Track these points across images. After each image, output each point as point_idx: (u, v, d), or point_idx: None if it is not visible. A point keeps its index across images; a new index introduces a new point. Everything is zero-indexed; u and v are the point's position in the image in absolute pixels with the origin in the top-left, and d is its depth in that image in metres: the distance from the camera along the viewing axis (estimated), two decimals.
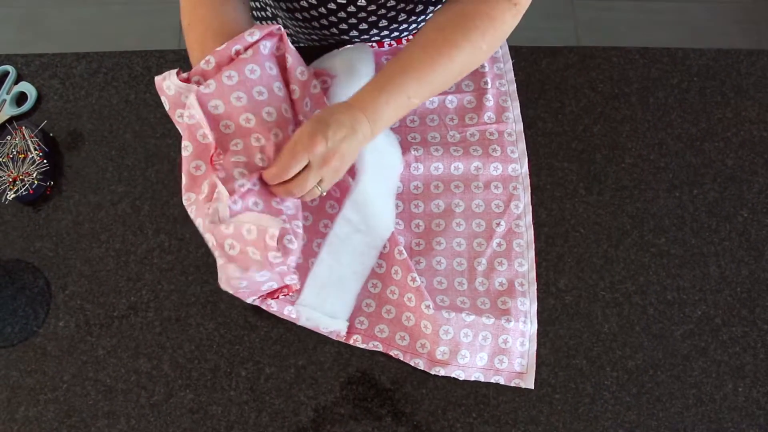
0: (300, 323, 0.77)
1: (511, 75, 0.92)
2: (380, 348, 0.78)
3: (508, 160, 0.87)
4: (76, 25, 1.99)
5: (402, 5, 0.83)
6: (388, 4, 0.82)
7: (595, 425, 0.76)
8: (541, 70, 0.94)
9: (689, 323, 0.81)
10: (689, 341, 0.80)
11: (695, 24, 1.98)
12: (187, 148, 0.70)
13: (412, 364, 0.77)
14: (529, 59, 0.95)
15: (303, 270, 0.77)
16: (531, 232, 0.84)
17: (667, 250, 0.84)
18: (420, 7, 0.85)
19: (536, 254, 0.83)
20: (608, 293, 0.82)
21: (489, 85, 0.91)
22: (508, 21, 0.73)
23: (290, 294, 0.73)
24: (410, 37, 0.96)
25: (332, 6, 0.80)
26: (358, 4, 0.82)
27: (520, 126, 0.89)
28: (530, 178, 0.87)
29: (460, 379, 0.77)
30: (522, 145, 0.88)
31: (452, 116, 0.90)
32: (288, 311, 0.76)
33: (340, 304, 0.79)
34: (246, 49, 0.71)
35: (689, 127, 0.91)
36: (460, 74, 0.75)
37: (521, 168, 0.87)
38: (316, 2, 0.81)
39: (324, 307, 0.77)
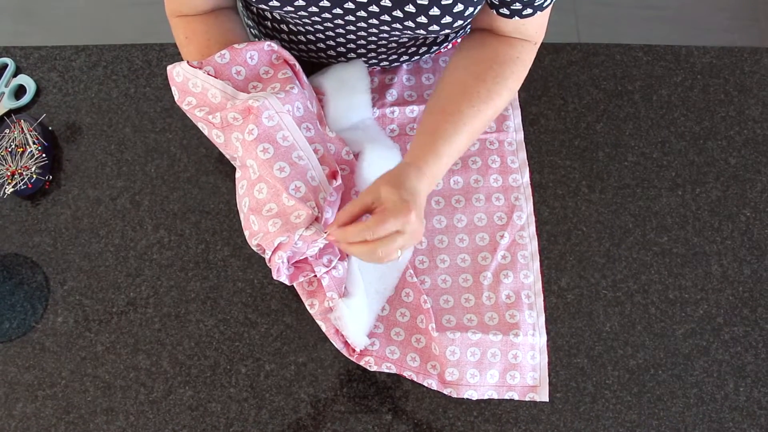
0: (332, 314, 0.74)
1: None
2: (393, 369, 0.76)
3: (508, 170, 0.86)
4: (73, 16, 1.97)
5: (403, 49, 0.83)
6: (389, 46, 0.81)
7: (596, 424, 0.76)
8: (544, 67, 0.94)
9: (691, 322, 0.81)
10: (691, 340, 0.80)
11: (695, 19, 1.98)
12: (204, 129, 0.75)
13: (426, 385, 0.76)
14: None
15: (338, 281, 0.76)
16: (535, 242, 0.83)
17: (669, 249, 0.84)
18: (423, 49, 0.85)
19: (540, 260, 0.82)
20: (610, 292, 0.82)
21: None
22: (531, 60, 0.76)
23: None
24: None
25: (332, 43, 0.79)
26: (359, 51, 0.81)
27: (521, 135, 0.88)
28: (532, 175, 0.86)
29: (474, 399, 0.76)
30: (523, 155, 0.87)
31: None
32: (330, 295, 0.73)
33: (363, 318, 0.77)
34: (262, 60, 0.74)
35: (692, 125, 0.91)
36: (493, 119, 0.77)
37: (522, 178, 0.86)
38: (314, 39, 0.79)
39: (352, 316, 0.75)
